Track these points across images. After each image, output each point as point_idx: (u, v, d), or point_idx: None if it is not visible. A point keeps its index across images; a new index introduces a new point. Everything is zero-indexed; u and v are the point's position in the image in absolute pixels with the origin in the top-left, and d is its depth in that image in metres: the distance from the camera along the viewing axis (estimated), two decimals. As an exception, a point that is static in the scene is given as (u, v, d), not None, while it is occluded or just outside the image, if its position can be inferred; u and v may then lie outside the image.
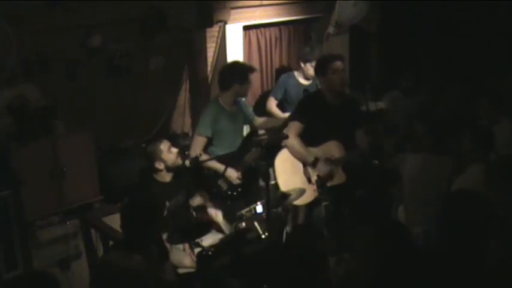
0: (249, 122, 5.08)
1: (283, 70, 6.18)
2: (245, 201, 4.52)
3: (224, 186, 4.66)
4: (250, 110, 5.15)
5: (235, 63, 4.98)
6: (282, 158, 4.55)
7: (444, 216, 2.81)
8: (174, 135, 5.52)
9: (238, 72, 4.73)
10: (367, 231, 2.87)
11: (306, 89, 5.55)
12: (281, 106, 5.71)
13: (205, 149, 4.70)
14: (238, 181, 4.66)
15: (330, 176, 4.42)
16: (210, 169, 4.68)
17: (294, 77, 5.69)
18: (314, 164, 4.44)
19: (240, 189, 4.66)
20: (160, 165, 4.31)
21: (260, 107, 5.84)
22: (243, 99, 5.03)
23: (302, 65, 5.59)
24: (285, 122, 4.86)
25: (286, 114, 5.53)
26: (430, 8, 6.46)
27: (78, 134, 4.48)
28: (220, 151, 4.65)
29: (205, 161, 4.53)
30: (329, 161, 4.48)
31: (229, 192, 4.65)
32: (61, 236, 4.42)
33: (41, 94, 4.41)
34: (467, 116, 5.01)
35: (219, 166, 4.56)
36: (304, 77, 5.64)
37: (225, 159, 4.49)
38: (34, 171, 4.20)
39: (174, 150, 4.36)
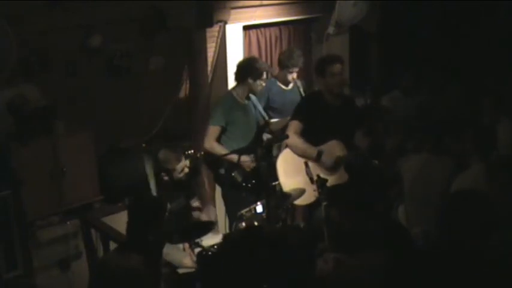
0: (260, 117, 5.11)
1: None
2: (258, 194, 4.52)
3: (239, 178, 4.70)
4: (261, 108, 5.16)
5: (253, 59, 5.06)
6: (284, 158, 4.56)
7: (444, 216, 2.82)
8: (174, 135, 5.52)
9: (254, 68, 4.80)
10: (366, 232, 2.87)
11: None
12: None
13: (219, 139, 4.77)
14: (253, 164, 4.66)
15: (336, 167, 4.42)
16: (224, 160, 4.70)
17: (276, 83, 5.55)
18: (318, 157, 4.44)
19: (254, 181, 4.69)
20: (165, 176, 4.31)
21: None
22: (254, 97, 5.06)
23: (282, 70, 5.49)
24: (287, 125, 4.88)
25: (273, 121, 5.48)
26: (430, 8, 6.45)
27: (78, 134, 4.49)
28: (233, 142, 4.74)
29: (225, 155, 4.57)
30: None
31: (244, 184, 4.68)
32: (61, 236, 4.42)
33: (41, 94, 4.41)
34: (467, 116, 5.01)
35: (233, 156, 4.59)
36: (282, 82, 5.52)
37: (238, 153, 4.53)
38: (34, 171, 4.20)
39: (182, 164, 4.34)
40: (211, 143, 4.72)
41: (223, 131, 4.79)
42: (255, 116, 5.01)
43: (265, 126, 4.99)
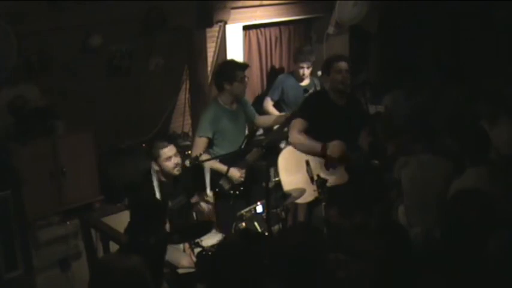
0: (249, 120, 4.99)
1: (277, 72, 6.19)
2: (246, 201, 4.52)
3: (226, 186, 4.65)
4: (251, 107, 5.11)
5: (225, 63, 4.94)
6: (286, 156, 4.54)
7: (445, 216, 2.82)
8: (174, 135, 5.52)
9: (225, 72, 4.66)
10: (366, 232, 2.87)
11: (305, 89, 5.57)
12: (278, 107, 5.70)
13: (207, 150, 4.66)
14: (241, 179, 4.61)
15: (344, 157, 4.41)
16: (212, 169, 4.66)
17: (290, 77, 5.73)
18: (325, 149, 4.41)
19: (242, 189, 4.65)
20: (156, 167, 4.28)
21: (259, 107, 5.83)
22: (244, 99, 5.03)
23: (295, 65, 5.66)
24: (286, 121, 4.85)
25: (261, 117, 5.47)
26: (430, 8, 6.46)
27: (78, 134, 4.49)
28: (222, 151, 4.61)
29: (206, 161, 4.50)
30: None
31: (231, 192, 4.64)
32: (61, 236, 4.43)
33: (41, 94, 4.41)
34: (466, 116, 5.00)
35: (222, 166, 4.54)
36: (296, 77, 5.68)
37: (227, 159, 4.49)
38: (34, 171, 4.20)
39: (175, 160, 4.24)
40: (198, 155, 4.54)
41: (211, 140, 4.63)
42: (244, 121, 4.87)
43: (253, 132, 4.92)
